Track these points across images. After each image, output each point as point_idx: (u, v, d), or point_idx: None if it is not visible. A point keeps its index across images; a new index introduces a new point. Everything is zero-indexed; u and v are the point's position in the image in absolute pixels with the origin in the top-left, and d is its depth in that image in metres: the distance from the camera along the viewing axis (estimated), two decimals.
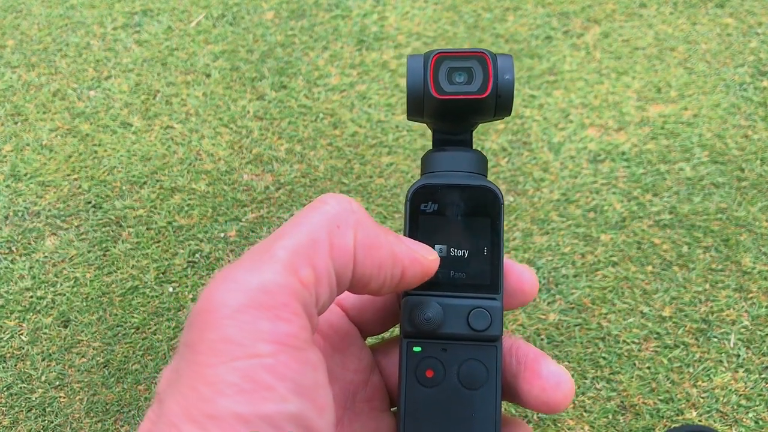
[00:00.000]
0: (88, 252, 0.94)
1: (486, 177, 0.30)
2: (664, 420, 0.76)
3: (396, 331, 0.30)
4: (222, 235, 0.94)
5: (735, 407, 0.76)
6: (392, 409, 0.31)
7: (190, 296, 0.89)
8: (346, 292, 0.30)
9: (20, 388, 0.83)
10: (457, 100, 0.29)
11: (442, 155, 0.30)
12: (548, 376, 0.27)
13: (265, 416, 0.20)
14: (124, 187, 1.00)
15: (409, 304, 0.28)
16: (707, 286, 0.85)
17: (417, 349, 0.29)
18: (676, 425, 0.74)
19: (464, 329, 0.28)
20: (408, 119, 0.31)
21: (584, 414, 0.77)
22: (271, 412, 0.20)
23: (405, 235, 0.29)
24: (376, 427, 0.30)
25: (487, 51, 0.29)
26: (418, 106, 0.30)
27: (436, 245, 0.29)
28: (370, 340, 0.33)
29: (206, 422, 0.19)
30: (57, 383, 0.83)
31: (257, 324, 0.21)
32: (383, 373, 0.31)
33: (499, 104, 0.29)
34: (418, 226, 0.29)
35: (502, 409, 0.29)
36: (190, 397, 0.20)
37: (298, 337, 0.21)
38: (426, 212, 0.29)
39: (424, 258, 0.27)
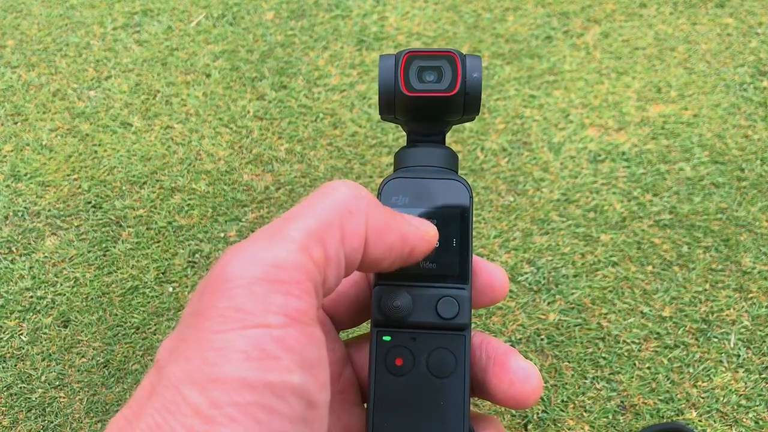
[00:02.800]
0: (88, 252, 0.94)
1: (456, 173, 0.31)
2: (665, 420, 0.76)
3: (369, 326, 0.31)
4: (222, 235, 0.94)
5: (735, 407, 0.76)
6: (365, 405, 0.31)
7: (190, 296, 0.89)
8: None
9: (20, 388, 0.83)
10: (427, 97, 0.30)
11: (413, 151, 0.31)
12: (517, 371, 0.28)
13: (269, 384, 0.20)
14: (124, 187, 1.00)
15: (379, 293, 0.29)
16: (707, 286, 0.85)
17: (387, 338, 0.29)
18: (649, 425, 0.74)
19: (433, 317, 0.29)
20: (381, 118, 0.32)
21: (584, 414, 0.77)
22: (276, 381, 0.20)
23: None
24: (348, 419, 0.30)
25: (457, 51, 0.30)
26: (389, 103, 0.31)
27: None
28: (343, 335, 0.33)
29: (209, 385, 0.20)
30: (57, 383, 0.83)
31: (269, 297, 0.21)
32: (355, 366, 0.32)
33: (467, 102, 0.30)
34: None
35: (476, 407, 0.29)
36: (194, 361, 0.20)
37: (306, 313, 0.22)
38: (397, 205, 0.30)
39: (427, 234, 0.27)
